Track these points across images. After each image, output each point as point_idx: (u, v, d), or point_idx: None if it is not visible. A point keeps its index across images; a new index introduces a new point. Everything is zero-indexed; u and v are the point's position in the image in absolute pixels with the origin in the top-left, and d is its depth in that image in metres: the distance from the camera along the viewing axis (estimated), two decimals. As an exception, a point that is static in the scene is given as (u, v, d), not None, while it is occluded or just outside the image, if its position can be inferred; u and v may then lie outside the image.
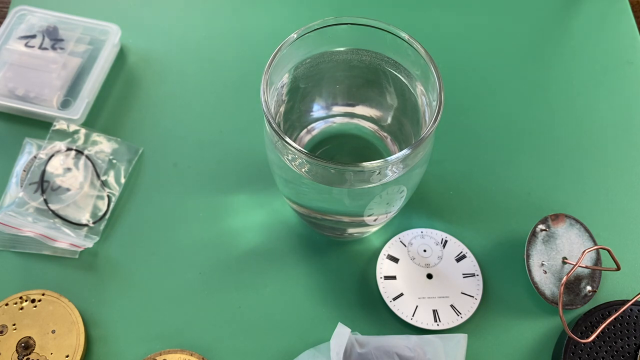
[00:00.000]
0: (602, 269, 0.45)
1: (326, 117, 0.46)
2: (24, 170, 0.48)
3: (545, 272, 0.45)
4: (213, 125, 0.52)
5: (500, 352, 0.43)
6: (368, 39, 0.41)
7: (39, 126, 0.51)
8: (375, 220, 0.43)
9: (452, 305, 0.44)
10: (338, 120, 0.46)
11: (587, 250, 0.43)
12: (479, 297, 0.44)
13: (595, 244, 0.46)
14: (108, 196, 0.48)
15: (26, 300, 0.43)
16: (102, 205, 0.48)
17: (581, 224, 0.47)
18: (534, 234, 0.46)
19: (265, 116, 0.37)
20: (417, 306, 0.44)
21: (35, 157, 0.48)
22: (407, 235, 0.47)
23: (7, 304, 0.43)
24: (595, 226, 0.47)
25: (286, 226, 0.48)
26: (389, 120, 0.45)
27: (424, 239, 0.47)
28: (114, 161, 0.49)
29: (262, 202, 0.49)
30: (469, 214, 0.48)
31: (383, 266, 0.45)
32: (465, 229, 0.47)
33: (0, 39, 0.53)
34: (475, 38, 0.57)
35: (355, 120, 0.46)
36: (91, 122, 0.52)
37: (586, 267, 0.45)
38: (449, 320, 0.43)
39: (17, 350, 0.42)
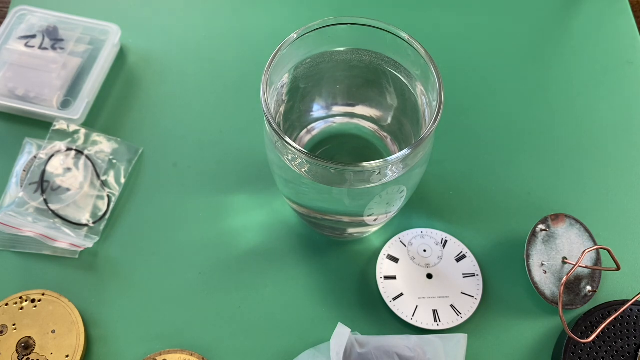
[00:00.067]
0: (602, 269, 0.45)
1: (326, 117, 0.46)
2: (24, 170, 0.48)
3: (545, 272, 0.45)
4: (213, 125, 0.52)
5: (500, 352, 0.43)
6: (368, 39, 0.41)
7: (39, 126, 0.51)
8: (375, 220, 0.43)
9: (452, 305, 0.44)
10: (338, 120, 0.46)
11: (587, 250, 0.43)
12: (479, 297, 0.44)
13: (595, 244, 0.46)
14: (108, 196, 0.48)
15: (26, 300, 0.43)
16: (102, 205, 0.48)
17: (581, 224, 0.47)
18: (534, 234, 0.46)
19: (265, 116, 0.37)
20: (417, 306, 0.44)
21: (35, 157, 0.48)
22: (407, 235, 0.47)
23: (7, 304, 0.43)
24: (595, 226, 0.47)
25: (286, 226, 0.48)
26: (389, 120, 0.45)
27: (424, 239, 0.47)
28: (114, 161, 0.49)
29: (262, 202, 0.49)
30: (469, 214, 0.48)
31: (383, 266, 0.45)
32: (465, 229, 0.47)
33: (0, 39, 0.53)
34: (475, 38, 0.57)
35: (355, 120, 0.46)
36: (91, 122, 0.52)
37: (586, 267, 0.45)
38: (449, 320, 0.43)
39: (17, 350, 0.42)
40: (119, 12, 0.57)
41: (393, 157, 0.35)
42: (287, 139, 0.36)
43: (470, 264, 0.46)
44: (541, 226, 0.46)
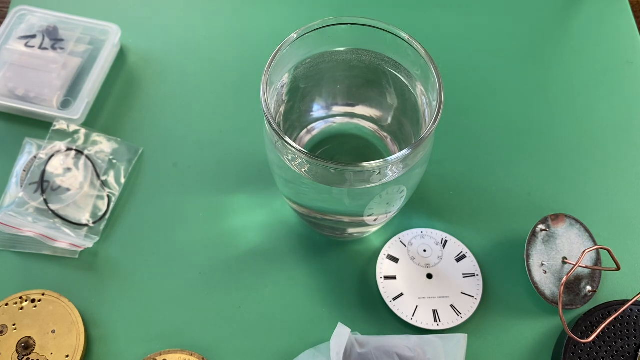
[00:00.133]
0: (602, 269, 0.45)
1: (326, 117, 0.46)
2: (24, 170, 0.48)
3: (545, 272, 0.45)
4: (213, 125, 0.52)
5: (500, 352, 0.43)
6: (368, 39, 0.41)
7: (39, 126, 0.51)
8: (375, 220, 0.43)
9: (452, 305, 0.44)
10: (338, 120, 0.46)
11: (587, 250, 0.43)
12: (479, 297, 0.44)
13: (595, 244, 0.46)
14: (108, 196, 0.48)
15: (26, 300, 0.43)
16: (102, 205, 0.48)
17: (581, 224, 0.47)
18: (534, 234, 0.46)
19: (265, 116, 0.37)
20: (417, 306, 0.44)
21: (35, 157, 0.48)
22: (407, 235, 0.47)
23: (7, 304, 0.43)
24: (595, 226, 0.47)
25: (286, 226, 0.48)
26: (389, 120, 0.45)
27: (424, 239, 0.47)
28: (114, 161, 0.49)
29: (262, 202, 0.49)
30: (469, 214, 0.48)
31: (383, 266, 0.45)
32: (465, 229, 0.47)
33: (0, 39, 0.53)
34: (475, 38, 0.57)
35: (355, 120, 0.46)
36: (91, 122, 0.52)
37: (586, 267, 0.45)
38: (449, 320, 0.43)
39: (17, 350, 0.42)
40: (119, 12, 0.57)
41: (393, 157, 0.35)
42: (287, 139, 0.36)
43: (470, 264, 0.46)
44: (541, 226, 0.46)
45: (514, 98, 0.54)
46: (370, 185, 0.38)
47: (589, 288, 0.45)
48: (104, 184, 0.48)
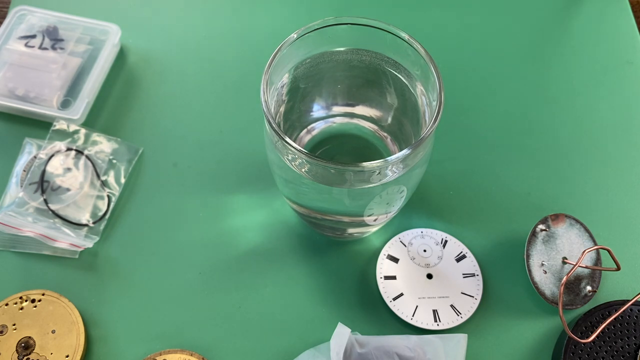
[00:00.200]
0: (602, 269, 0.45)
1: (326, 117, 0.46)
2: (24, 170, 0.48)
3: (545, 272, 0.45)
4: (213, 125, 0.52)
5: (500, 352, 0.43)
6: (368, 39, 0.41)
7: (39, 126, 0.51)
8: (375, 220, 0.43)
9: (452, 305, 0.44)
10: (338, 120, 0.46)
11: (587, 250, 0.43)
12: (479, 297, 0.44)
13: (595, 244, 0.46)
14: (108, 196, 0.48)
15: (26, 300, 0.43)
16: (102, 205, 0.48)
17: (581, 224, 0.47)
18: (534, 234, 0.46)
19: (265, 116, 0.37)
20: (417, 306, 0.44)
21: (35, 157, 0.48)
22: (407, 235, 0.47)
23: (7, 304, 0.43)
24: (595, 226, 0.47)
25: (286, 226, 0.48)
26: (389, 120, 0.45)
27: (424, 239, 0.47)
28: (114, 161, 0.49)
29: (262, 202, 0.49)
30: (469, 214, 0.48)
31: (383, 266, 0.45)
32: (465, 229, 0.47)
33: (0, 39, 0.53)
34: (476, 38, 0.57)
35: (355, 120, 0.46)
36: (91, 122, 0.52)
37: (586, 267, 0.45)
38: (449, 320, 0.43)
39: (17, 350, 0.42)
40: (119, 12, 0.57)
41: (393, 157, 0.35)
42: (287, 139, 0.36)
43: (470, 264, 0.46)
44: (541, 226, 0.46)
45: (514, 98, 0.54)
46: (370, 185, 0.38)
47: (589, 288, 0.45)
48: (104, 184, 0.48)
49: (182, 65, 0.55)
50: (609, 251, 0.44)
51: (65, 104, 0.51)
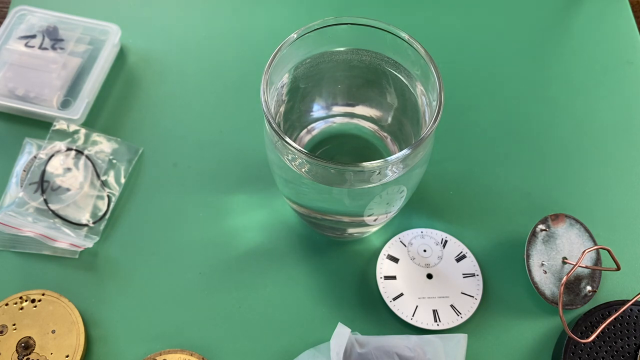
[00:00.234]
0: (602, 269, 0.45)
1: (326, 117, 0.46)
2: (24, 170, 0.48)
3: (545, 272, 0.45)
4: (213, 125, 0.52)
5: (500, 352, 0.43)
6: (368, 39, 0.41)
7: (39, 126, 0.51)
8: (375, 220, 0.43)
9: (452, 305, 0.44)
10: (338, 120, 0.46)
11: (587, 250, 0.43)
12: (479, 297, 0.44)
13: (595, 244, 0.46)
14: (108, 196, 0.48)
15: (26, 300, 0.43)
16: (102, 205, 0.48)
17: (581, 224, 0.47)
18: (534, 234, 0.46)
19: (265, 116, 0.37)
20: (417, 306, 0.44)
21: (35, 157, 0.48)
22: (407, 235, 0.47)
23: (7, 304, 0.43)
24: (595, 226, 0.47)
25: (286, 226, 0.48)
26: (389, 120, 0.45)
27: (424, 239, 0.47)
28: (114, 161, 0.49)
29: (262, 202, 0.49)
30: (469, 214, 0.48)
31: (383, 266, 0.45)
32: (465, 229, 0.47)
33: (0, 39, 0.53)
34: (475, 38, 0.57)
35: (355, 120, 0.46)
36: (91, 122, 0.52)
37: (586, 267, 0.45)
38: (449, 320, 0.43)
39: (17, 350, 0.42)
40: (119, 12, 0.57)
41: (393, 157, 0.35)
42: (287, 139, 0.36)
43: (470, 264, 0.46)
44: (541, 226, 0.46)
45: (514, 98, 0.54)
46: (370, 185, 0.38)
47: (589, 288, 0.45)
48: (104, 184, 0.48)
49: (182, 65, 0.55)
50: (609, 251, 0.44)
51: (65, 104, 0.51)
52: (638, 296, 0.43)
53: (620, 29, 0.58)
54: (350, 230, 0.46)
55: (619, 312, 0.42)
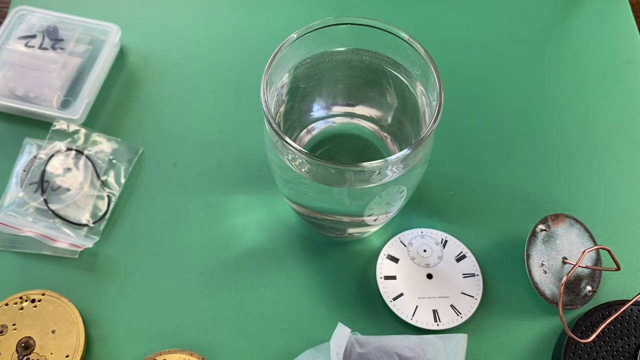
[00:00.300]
0: (602, 269, 0.45)
1: (326, 117, 0.46)
2: (24, 170, 0.48)
3: (545, 272, 0.45)
4: (213, 125, 0.52)
5: (500, 352, 0.43)
6: (368, 39, 0.41)
7: (39, 126, 0.51)
8: (375, 220, 0.43)
9: (452, 305, 0.44)
10: (338, 120, 0.46)
11: (587, 250, 0.43)
12: (479, 297, 0.44)
13: (595, 244, 0.46)
14: (108, 196, 0.48)
15: (26, 300, 0.43)
16: (102, 205, 0.48)
17: (581, 224, 0.47)
18: (534, 234, 0.46)
19: (265, 116, 0.37)
20: (417, 306, 0.44)
21: (35, 157, 0.48)
22: (407, 235, 0.47)
23: (7, 304, 0.43)
24: (595, 226, 0.47)
25: (286, 226, 0.48)
26: (389, 120, 0.45)
27: (424, 239, 0.47)
28: (114, 161, 0.49)
29: (262, 202, 0.49)
30: (469, 214, 0.48)
31: (383, 266, 0.45)
32: (465, 229, 0.47)
33: (0, 39, 0.53)
34: (475, 38, 0.57)
35: (355, 120, 0.46)
36: (91, 122, 0.52)
37: (586, 267, 0.45)
38: (449, 320, 0.43)
39: (17, 350, 0.42)
40: (119, 12, 0.57)
41: (393, 157, 0.35)
42: (287, 139, 0.36)
43: (470, 264, 0.46)
44: (541, 226, 0.46)
45: (514, 98, 0.54)
46: (370, 185, 0.38)
47: (589, 288, 0.45)
48: (104, 184, 0.48)
49: (182, 65, 0.55)
50: (609, 251, 0.44)
51: (65, 104, 0.51)
52: (638, 296, 0.43)
53: (620, 29, 0.58)
54: (350, 230, 0.46)
55: (619, 312, 0.42)
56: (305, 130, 0.45)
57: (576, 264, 0.43)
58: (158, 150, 0.51)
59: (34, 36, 0.53)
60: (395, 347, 0.40)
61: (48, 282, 0.45)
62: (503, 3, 0.59)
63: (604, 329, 0.43)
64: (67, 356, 0.42)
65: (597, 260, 0.46)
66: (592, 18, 0.58)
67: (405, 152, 0.35)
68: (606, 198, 0.49)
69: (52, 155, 0.48)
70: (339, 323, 0.41)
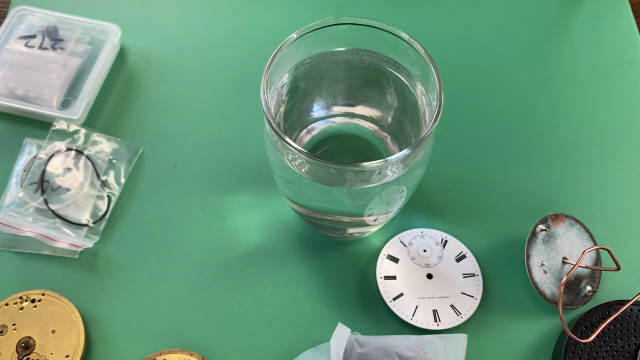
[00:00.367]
0: (602, 269, 0.45)
1: (326, 117, 0.46)
2: (24, 170, 0.48)
3: (545, 272, 0.45)
4: (213, 125, 0.52)
5: (500, 352, 0.43)
6: (368, 39, 0.41)
7: (39, 126, 0.51)
8: (375, 220, 0.43)
9: (452, 305, 0.44)
10: (338, 120, 0.46)
11: (587, 250, 0.43)
12: (479, 297, 0.44)
13: (595, 244, 0.46)
14: (108, 196, 0.48)
15: (26, 300, 0.43)
16: (102, 205, 0.48)
17: (581, 224, 0.47)
18: (534, 234, 0.46)
19: (265, 116, 0.37)
20: (417, 306, 0.44)
21: (35, 157, 0.48)
22: (407, 235, 0.47)
23: (7, 304, 0.43)
24: (595, 226, 0.47)
25: (286, 226, 0.48)
26: (389, 120, 0.45)
27: (424, 239, 0.47)
28: (114, 161, 0.49)
29: (262, 202, 0.49)
30: (469, 214, 0.48)
31: (383, 266, 0.45)
32: (465, 229, 0.47)
33: (0, 39, 0.53)
34: (475, 38, 0.57)
35: (355, 120, 0.46)
36: (91, 122, 0.52)
37: (586, 267, 0.45)
38: (449, 320, 0.43)
39: (17, 350, 0.42)
40: (119, 12, 0.57)
41: (393, 157, 0.35)
42: (287, 139, 0.36)
43: (470, 264, 0.46)
44: (541, 226, 0.46)
45: (514, 98, 0.54)
46: (370, 185, 0.38)
47: (589, 288, 0.45)
48: (104, 184, 0.48)
49: (182, 65, 0.55)
50: (609, 251, 0.44)
51: (65, 104, 0.51)
52: (638, 296, 0.43)
53: (620, 29, 0.58)
54: (350, 230, 0.46)
55: (619, 312, 0.42)
56: (305, 130, 0.45)
57: (576, 264, 0.43)
58: (158, 150, 0.51)
59: (34, 36, 0.53)
60: (395, 347, 0.40)
61: (48, 282, 0.45)
62: (503, 3, 0.59)
63: (604, 329, 0.43)
64: (67, 356, 0.42)
65: (597, 260, 0.46)
66: (592, 18, 0.58)
67: (405, 152, 0.35)
68: (606, 198, 0.49)
69: (52, 155, 0.48)
70: (339, 323, 0.41)
